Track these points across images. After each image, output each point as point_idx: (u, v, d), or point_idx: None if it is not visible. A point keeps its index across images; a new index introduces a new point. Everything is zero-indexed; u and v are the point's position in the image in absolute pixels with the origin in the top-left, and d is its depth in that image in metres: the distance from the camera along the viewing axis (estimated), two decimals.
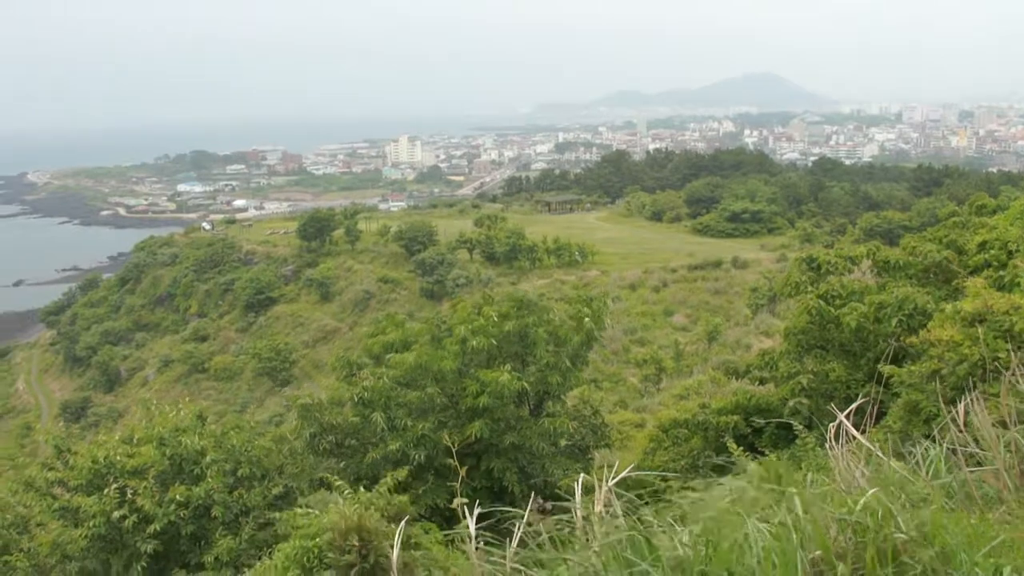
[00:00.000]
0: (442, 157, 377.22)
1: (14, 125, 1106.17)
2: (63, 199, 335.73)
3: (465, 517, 4.41)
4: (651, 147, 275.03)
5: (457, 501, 4.28)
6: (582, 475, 4.32)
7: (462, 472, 5.16)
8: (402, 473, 9.98)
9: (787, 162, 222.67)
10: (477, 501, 4.75)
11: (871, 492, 3.85)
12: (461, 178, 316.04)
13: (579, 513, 4.12)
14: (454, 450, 13.85)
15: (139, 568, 13.83)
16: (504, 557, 4.07)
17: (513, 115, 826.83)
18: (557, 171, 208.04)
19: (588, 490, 4.43)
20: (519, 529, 4.09)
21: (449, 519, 15.72)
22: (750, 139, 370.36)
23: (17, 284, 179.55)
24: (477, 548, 4.25)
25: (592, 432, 20.31)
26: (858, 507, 3.74)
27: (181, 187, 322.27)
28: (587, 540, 3.93)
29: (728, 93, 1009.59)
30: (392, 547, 7.22)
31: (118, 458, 15.02)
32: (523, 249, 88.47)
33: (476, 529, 4.39)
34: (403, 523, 4.88)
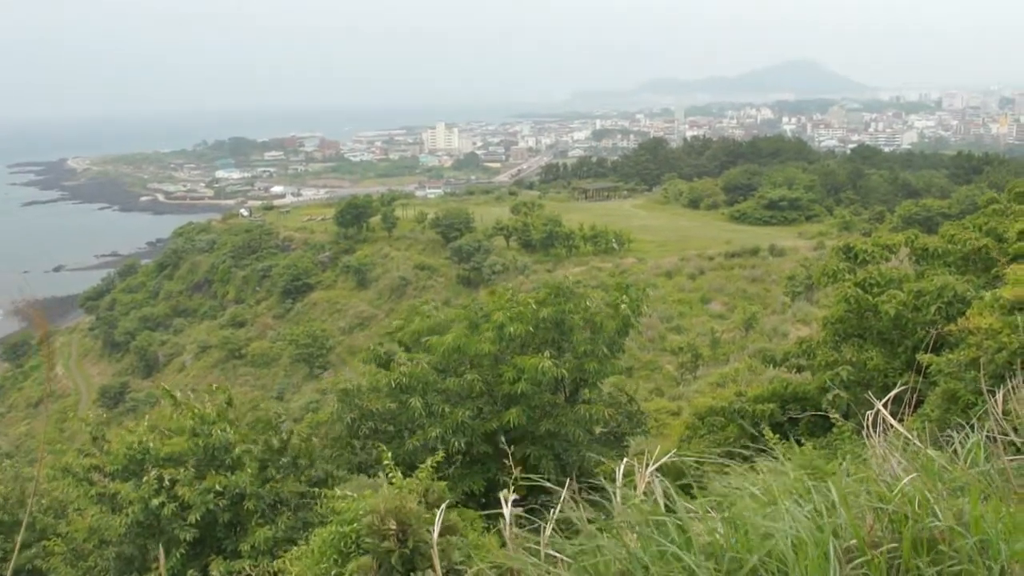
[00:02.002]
0: (479, 144, 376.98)
1: (54, 111, 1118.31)
2: (102, 185, 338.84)
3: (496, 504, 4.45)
4: (688, 134, 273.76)
5: (503, 493, 4.28)
6: (624, 460, 4.33)
7: (517, 470, 5.14)
8: (439, 457, 9.98)
9: (825, 149, 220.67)
10: (512, 488, 4.77)
11: (908, 480, 3.83)
12: (498, 165, 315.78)
13: (618, 499, 4.13)
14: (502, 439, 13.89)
15: (177, 554, 13.95)
16: (538, 542, 4.09)
17: (550, 102, 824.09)
18: (594, 158, 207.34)
19: (625, 476, 4.45)
20: (554, 514, 4.11)
21: (485, 505, 15.78)
22: (788, 126, 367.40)
23: (57, 269, 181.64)
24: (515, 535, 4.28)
25: (628, 419, 20.27)
26: (895, 495, 3.73)
27: (219, 173, 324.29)
28: (623, 526, 3.94)
29: (766, 80, 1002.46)
30: (430, 532, 7.29)
31: (152, 445, 15.14)
32: (560, 236, 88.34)
33: (513, 515, 4.41)
34: (443, 508, 4.89)
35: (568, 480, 4.28)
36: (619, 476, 4.31)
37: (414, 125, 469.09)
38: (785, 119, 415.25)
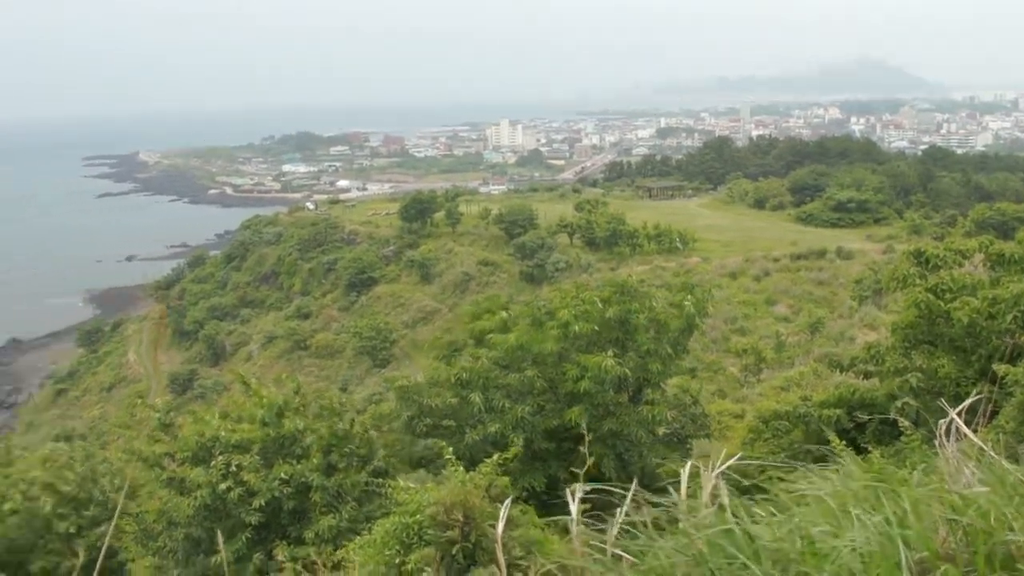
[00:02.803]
0: (543, 141, 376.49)
1: (127, 106, 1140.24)
2: (173, 178, 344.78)
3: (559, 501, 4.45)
4: (754, 133, 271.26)
5: (574, 487, 4.29)
6: (689, 462, 4.31)
7: (589, 462, 5.15)
8: (509, 454, 10.04)
9: (895, 151, 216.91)
10: (577, 486, 4.77)
11: (983, 492, 3.77)
12: (561, 162, 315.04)
13: (683, 501, 4.13)
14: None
15: (243, 538, 14.17)
16: (602, 541, 4.09)
17: (615, 100, 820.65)
18: (658, 157, 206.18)
19: (689, 478, 4.43)
20: (621, 514, 4.11)
21: (545, 503, 15.79)
22: (857, 126, 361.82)
23: (129, 259, 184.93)
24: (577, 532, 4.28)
25: (691, 421, 20.17)
26: (969, 507, 3.67)
27: (286, 167, 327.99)
28: (688, 529, 3.93)
29: (834, 79, 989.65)
30: (493, 527, 7.33)
31: (222, 433, 15.40)
32: (623, 235, 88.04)
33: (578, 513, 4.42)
34: (508, 502, 4.92)
35: (635, 481, 4.27)
36: (684, 478, 4.30)
37: (478, 121, 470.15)
38: (854, 119, 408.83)
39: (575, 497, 4.26)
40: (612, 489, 4.30)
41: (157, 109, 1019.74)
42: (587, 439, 8.32)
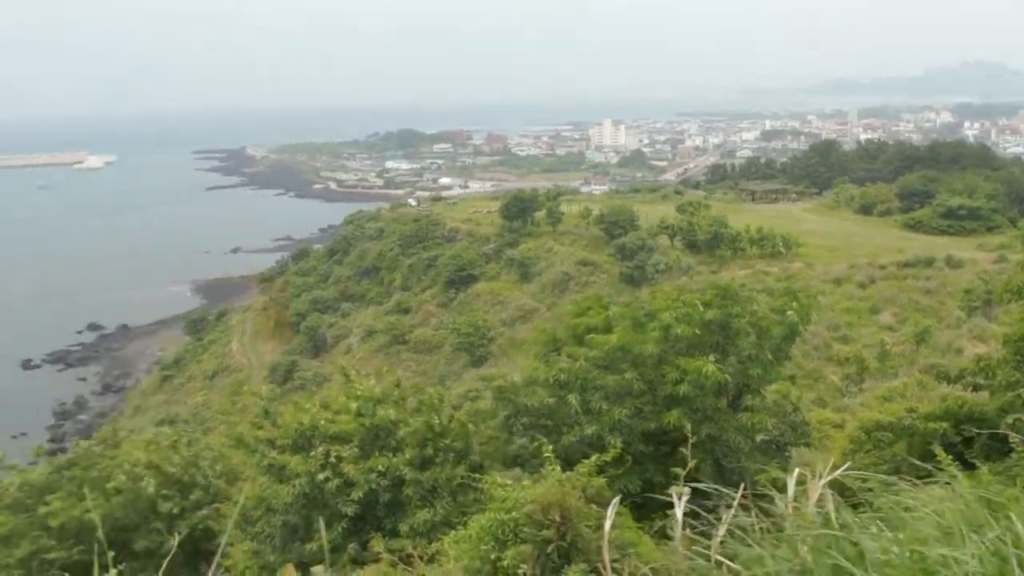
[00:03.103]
0: (645, 142, 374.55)
1: (235, 101, 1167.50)
2: (279, 172, 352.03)
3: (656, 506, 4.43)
4: (862, 137, 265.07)
5: (675, 489, 4.26)
6: (797, 470, 4.25)
7: (691, 465, 5.11)
8: (608, 456, 10.02)
9: (1012, 156, 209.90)
10: (681, 489, 4.74)
11: None
12: (664, 163, 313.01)
13: (789, 509, 4.07)
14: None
15: (339, 528, 14.39)
16: (704, 546, 4.06)
17: (719, 101, 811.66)
18: (763, 159, 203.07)
19: (785, 487, 4.37)
20: (727, 519, 4.07)
21: (640, 506, 15.71)
22: (970, 131, 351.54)
23: (235, 251, 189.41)
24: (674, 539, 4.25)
25: (791, 429, 19.81)
26: None
27: (389, 164, 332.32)
28: (793, 537, 3.88)
29: (946, 82, 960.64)
30: (589, 528, 7.33)
31: (321, 422, 15.67)
32: (725, 238, 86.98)
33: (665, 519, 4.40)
34: (616, 502, 4.90)
35: (741, 487, 4.23)
36: (791, 486, 4.25)
37: (581, 121, 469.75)
38: (967, 123, 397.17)
39: (681, 500, 4.23)
40: (715, 491, 4.27)
41: (265, 105, 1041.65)
42: (691, 441, 8.22)
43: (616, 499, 4.85)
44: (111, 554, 4.44)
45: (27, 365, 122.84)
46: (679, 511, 4.13)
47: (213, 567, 5.28)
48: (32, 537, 19.52)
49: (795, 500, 4.28)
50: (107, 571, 4.38)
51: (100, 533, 6.97)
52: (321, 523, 11.79)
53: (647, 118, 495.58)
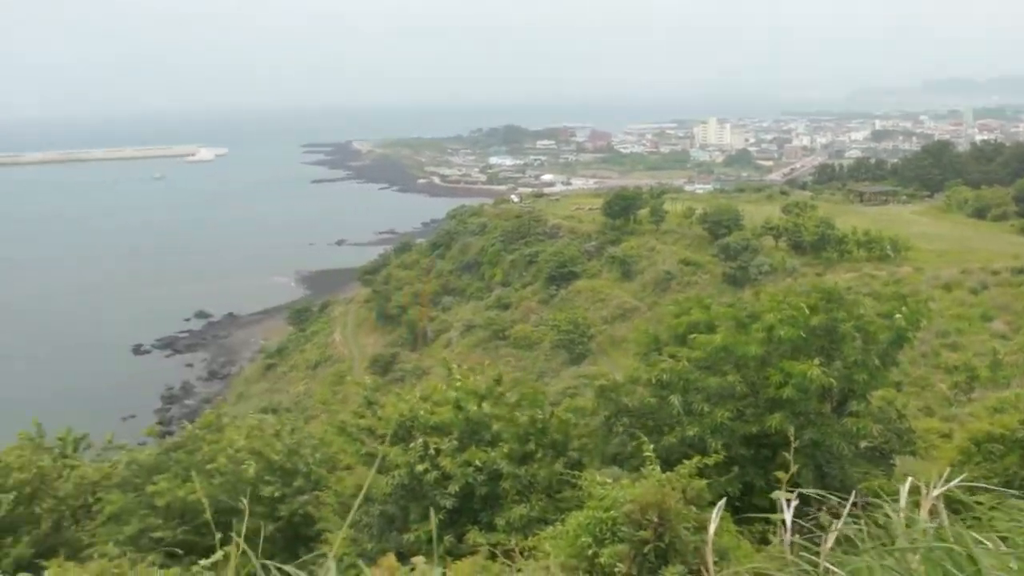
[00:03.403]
0: (751, 141, 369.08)
1: (341, 97, 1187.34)
2: (384, 166, 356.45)
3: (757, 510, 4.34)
4: (977, 138, 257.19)
5: (781, 494, 4.16)
6: (909, 479, 4.12)
7: (793, 470, 4.98)
8: (710, 460, 9.90)
9: None
10: (784, 494, 4.62)
11: None
12: (770, 163, 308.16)
13: (902, 518, 3.95)
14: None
15: (436, 520, 14.48)
16: (812, 553, 3.96)
17: (828, 100, 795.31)
18: (872, 160, 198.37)
19: (894, 494, 4.24)
20: (836, 527, 3.97)
21: (738, 509, 15.49)
22: None
23: (339, 243, 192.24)
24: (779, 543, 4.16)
25: (896, 436, 19.35)
26: None
27: (492, 160, 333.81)
28: (906, 546, 3.76)
29: None
30: (687, 530, 7.25)
31: (422, 413, 15.79)
32: (832, 240, 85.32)
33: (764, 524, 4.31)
34: (722, 504, 4.80)
35: (852, 494, 4.11)
36: (903, 495, 4.12)
37: (685, 118, 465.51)
38: None
39: (790, 505, 4.12)
40: (818, 497, 4.17)
41: (372, 101, 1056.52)
42: (793, 446, 8.03)
43: (722, 502, 4.76)
44: (218, 536, 4.53)
45: (138, 350, 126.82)
46: (788, 516, 4.03)
47: (329, 558, 5.32)
48: (140, 515, 20.14)
49: (905, 510, 4.15)
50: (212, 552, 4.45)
51: (208, 515, 7.11)
52: (432, 514, 11.91)
53: (753, 116, 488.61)
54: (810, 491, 4.39)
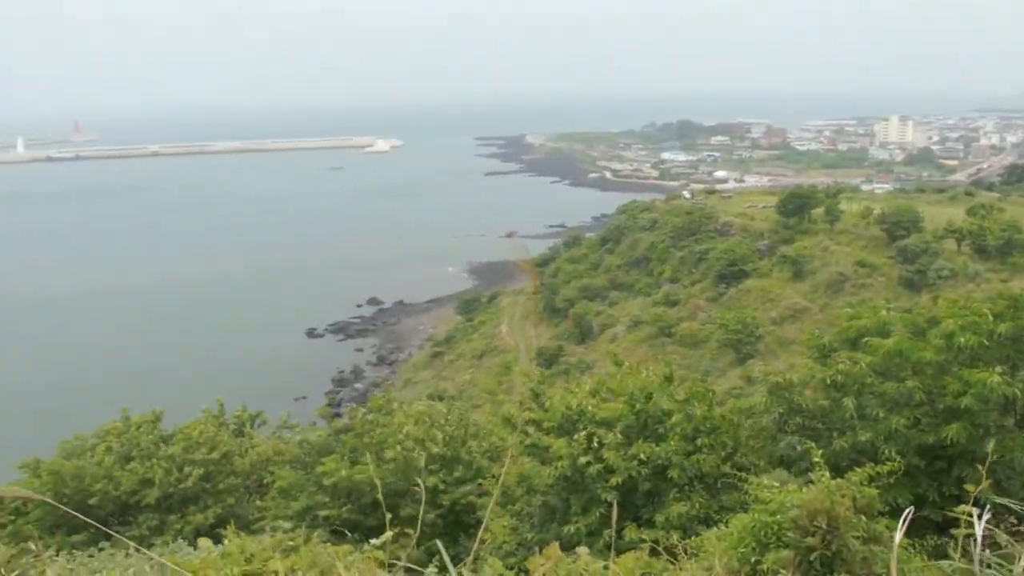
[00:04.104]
0: (935, 139, 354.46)
1: (517, 90, 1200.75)
2: (555, 160, 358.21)
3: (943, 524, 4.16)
4: None
5: (963, 508, 4.00)
6: None
7: (984, 484, 4.78)
8: (884, 468, 9.60)
9: None
10: (976, 510, 4.42)
11: None
12: (954, 162, 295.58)
13: None
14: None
15: (596, 514, 14.49)
16: (987, 570, 3.79)
17: (1020, 96, 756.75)
18: None
19: None
20: None
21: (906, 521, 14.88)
22: None
23: (509, 235, 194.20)
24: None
25: None
26: None
27: (665, 155, 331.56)
28: None
29: None
30: (857, 539, 7.03)
31: (589, 407, 15.81)
32: (1020, 244, 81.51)
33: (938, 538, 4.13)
34: (909, 512, 4.62)
35: None
36: None
37: (865, 115, 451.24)
38: None
39: (981, 521, 3.95)
40: (1005, 511, 3.98)
41: (544, 93, 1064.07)
42: (989, 460, 7.64)
43: (909, 511, 4.58)
44: (388, 516, 4.65)
45: (311, 334, 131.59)
46: (979, 530, 3.86)
47: (477, 542, 5.42)
48: (308, 493, 20.91)
49: None
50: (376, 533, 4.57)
51: (380, 496, 7.37)
52: (614, 506, 11.91)
53: (939, 114, 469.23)
54: (1007, 501, 4.20)
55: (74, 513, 11.66)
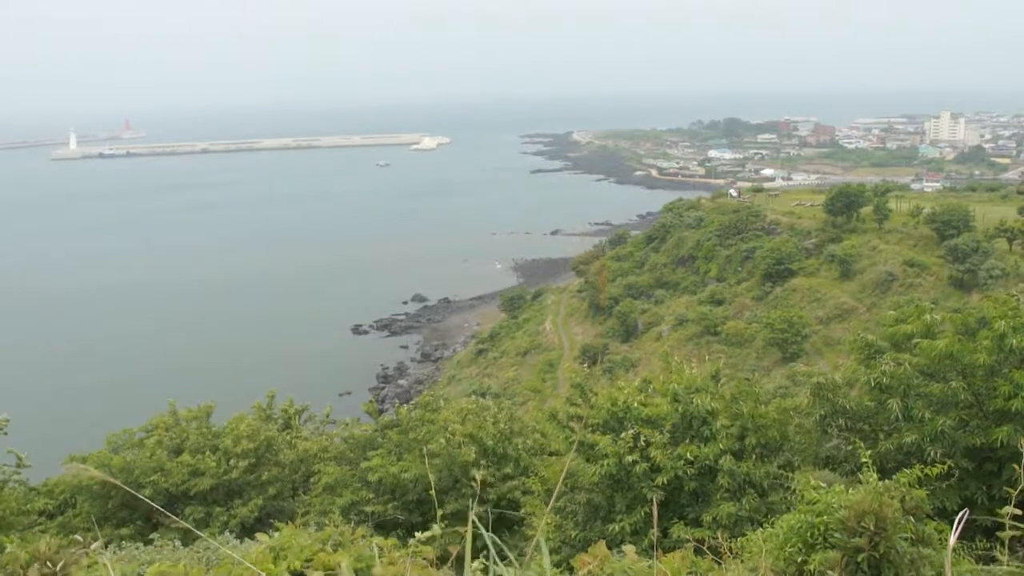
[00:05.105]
0: (987, 137, 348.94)
1: (563, 89, 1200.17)
2: (601, 158, 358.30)
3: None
4: None
5: (1007, 510, 4.03)
6: None
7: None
8: (933, 471, 9.56)
9: None
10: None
11: None
12: (1007, 161, 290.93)
13: None
14: None
15: (642, 512, 14.52)
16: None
17: None
18: None
19: None
20: None
21: (952, 523, 14.74)
22: None
23: (554, 233, 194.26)
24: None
25: None
26: None
27: (711, 153, 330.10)
28: None
29: None
30: (905, 540, 7.03)
31: (635, 405, 15.84)
32: None
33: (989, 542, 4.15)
34: (964, 514, 4.65)
35: None
36: None
37: (915, 113, 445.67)
38: None
39: None
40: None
41: (590, 91, 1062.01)
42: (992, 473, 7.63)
43: (964, 513, 4.60)
44: (440, 512, 4.75)
45: (357, 330, 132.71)
46: None
47: (533, 543, 5.52)
48: (353, 488, 21.13)
49: None
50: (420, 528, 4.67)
51: (432, 492, 7.46)
52: (654, 502, 11.96)
53: (992, 111, 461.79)
54: None
55: (141, 497, 11.90)
